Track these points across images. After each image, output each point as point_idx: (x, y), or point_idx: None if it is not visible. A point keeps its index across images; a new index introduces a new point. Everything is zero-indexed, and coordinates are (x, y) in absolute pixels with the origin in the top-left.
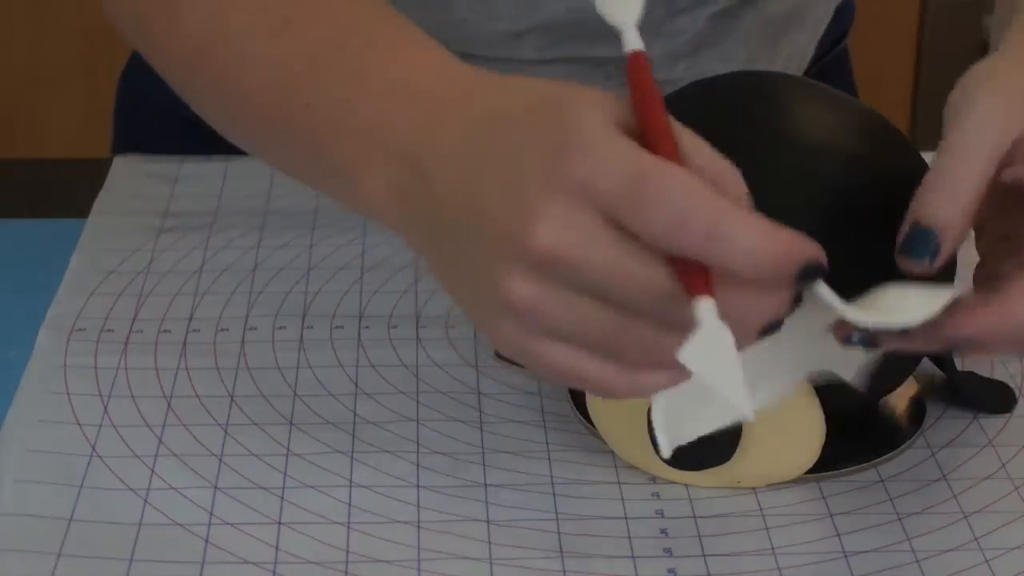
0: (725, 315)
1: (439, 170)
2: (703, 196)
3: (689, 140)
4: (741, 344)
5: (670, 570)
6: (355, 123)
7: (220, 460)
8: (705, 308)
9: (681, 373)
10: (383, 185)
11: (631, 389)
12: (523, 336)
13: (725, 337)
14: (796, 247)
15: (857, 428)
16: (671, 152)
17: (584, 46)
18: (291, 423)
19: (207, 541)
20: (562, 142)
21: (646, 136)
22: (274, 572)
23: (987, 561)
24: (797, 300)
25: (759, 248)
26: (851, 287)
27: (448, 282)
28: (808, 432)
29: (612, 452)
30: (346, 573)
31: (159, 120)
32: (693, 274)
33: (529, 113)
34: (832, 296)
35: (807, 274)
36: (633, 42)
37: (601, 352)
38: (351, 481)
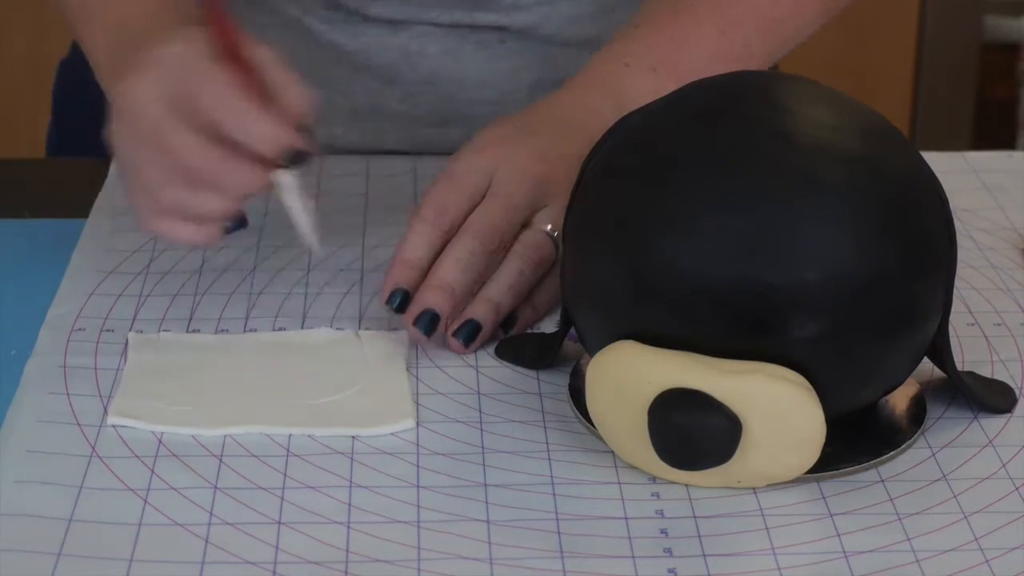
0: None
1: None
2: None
3: (268, 57)
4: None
5: (670, 570)
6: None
7: (220, 460)
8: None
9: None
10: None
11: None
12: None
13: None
14: (287, 139)
15: (857, 428)
16: (244, 62)
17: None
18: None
19: (207, 541)
20: (175, 40)
21: (222, 51)
22: (274, 572)
23: (987, 561)
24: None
25: (264, 134)
26: (852, 286)
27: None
28: (808, 432)
29: (612, 452)
30: (346, 573)
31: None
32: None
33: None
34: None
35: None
36: None
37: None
38: (351, 481)
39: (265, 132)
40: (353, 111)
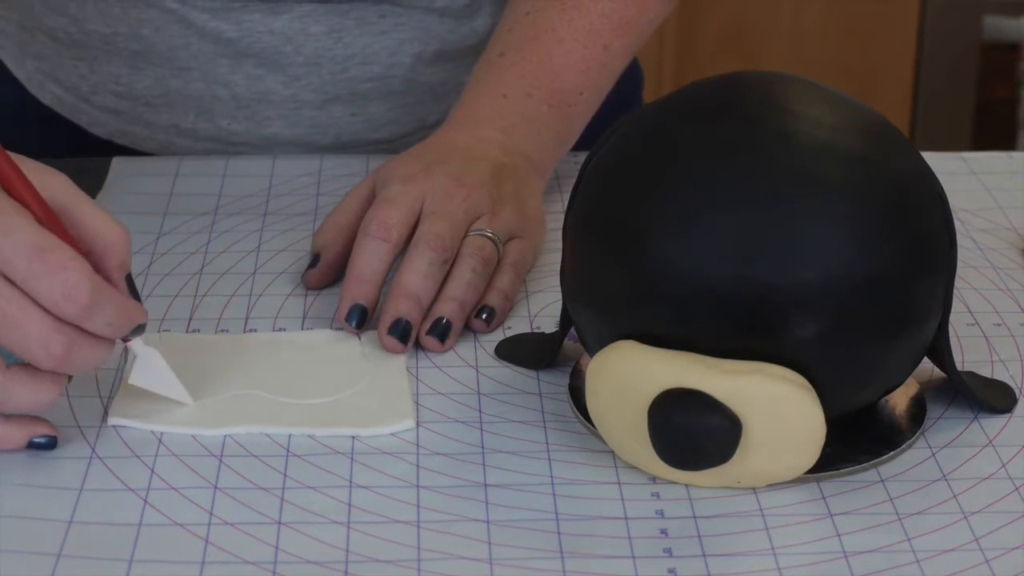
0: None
1: None
2: (87, 277)
3: (87, 213)
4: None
5: (670, 570)
6: None
7: (220, 460)
8: (136, 344)
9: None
10: None
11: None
12: None
13: (157, 359)
14: (136, 318)
15: (857, 428)
16: (59, 229)
17: None
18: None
19: (207, 541)
20: None
21: (35, 216)
22: (274, 572)
23: (987, 561)
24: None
25: (117, 322)
26: (852, 286)
27: None
28: (808, 432)
29: (612, 452)
30: (346, 573)
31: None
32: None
33: None
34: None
35: (135, 332)
36: None
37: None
38: (351, 481)
39: (115, 317)
40: (236, 101)
